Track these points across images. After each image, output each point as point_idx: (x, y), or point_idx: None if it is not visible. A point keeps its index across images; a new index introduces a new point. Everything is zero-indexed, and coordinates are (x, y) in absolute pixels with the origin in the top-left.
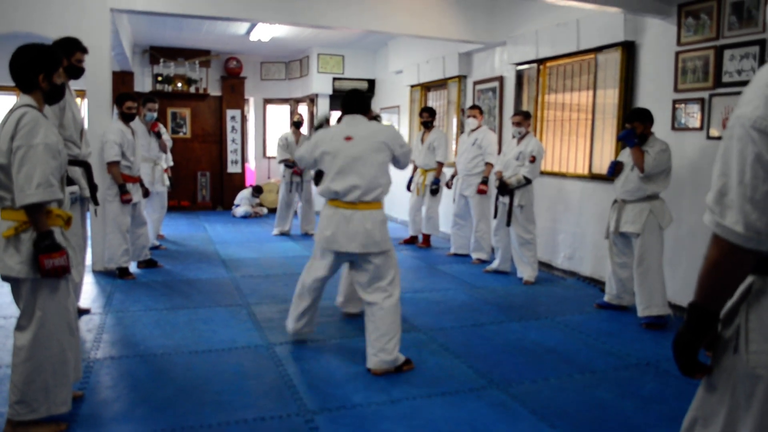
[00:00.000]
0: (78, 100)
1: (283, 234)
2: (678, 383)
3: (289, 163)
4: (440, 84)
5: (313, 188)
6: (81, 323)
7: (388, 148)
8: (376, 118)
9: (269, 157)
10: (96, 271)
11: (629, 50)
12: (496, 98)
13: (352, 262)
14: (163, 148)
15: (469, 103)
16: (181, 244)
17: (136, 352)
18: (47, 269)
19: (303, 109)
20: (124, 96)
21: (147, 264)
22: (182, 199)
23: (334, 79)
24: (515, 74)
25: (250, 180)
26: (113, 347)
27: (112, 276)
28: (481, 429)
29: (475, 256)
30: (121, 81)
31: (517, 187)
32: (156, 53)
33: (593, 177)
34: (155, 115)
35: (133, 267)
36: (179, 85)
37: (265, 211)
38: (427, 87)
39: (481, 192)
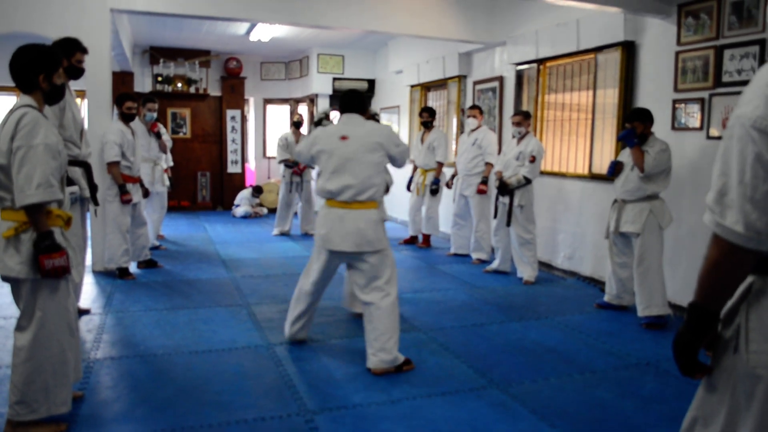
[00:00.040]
0: (78, 100)
1: (283, 234)
2: (678, 383)
3: (289, 163)
4: (440, 84)
5: (313, 188)
6: (81, 323)
7: (382, 148)
8: (374, 116)
9: (269, 158)
10: (96, 271)
11: (629, 50)
12: (496, 98)
13: (350, 263)
14: (163, 148)
15: (469, 103)
16: (181, 244)
17: (136, 353)
18: (47, 269)
19: (303, 110)
20: (124, 96)
21: (147, 264)
22: (182, 199)
23: (334, 79)
24: (515, 74)
25: (250, 180)
26: (113, 347)
27: (112, 276)
28: (481, 429)
29: (475, 256)
30: (121, 81)
31: (517, 187)
32: (156, 53)
33: (593, 177)
34: (155, 115)
35: (133, 267)
36: (179, 85)
37: (265, 211)
38: (427, 87)
39: (480, 192)
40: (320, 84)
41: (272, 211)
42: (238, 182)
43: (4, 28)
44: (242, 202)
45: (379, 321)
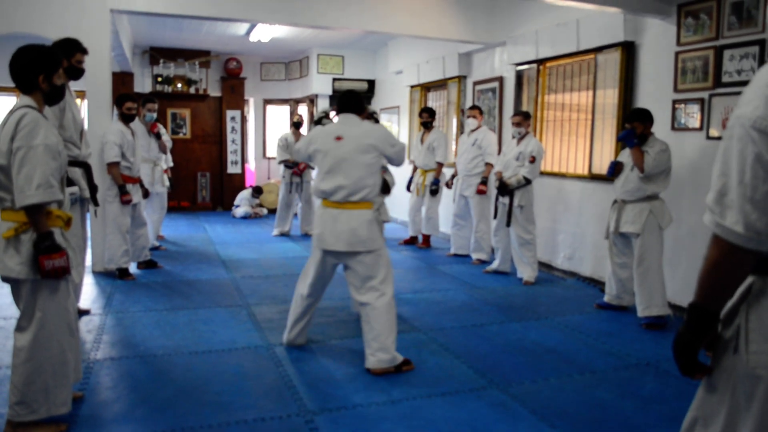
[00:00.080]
0: (78, 100)
1: (283, 234)
2: (678, 383)
3: (289, 164)
4: (440, 84)
5: None
6: (81, 324)
7: (376, 149)
8: (372, 115)
9: (269, 158)
10: (96, 271)
11: (629, 50)
12: (495, 98)
13: (345, 265)
14: (162, 148)
15: (468, 103)
16: (181, 244)
17: (136, 353)
18: (47, 270)
19: (303, 110)
20: (124, 97)
21: (147, 265)
22: (182, 199)
23: (334, 79)
24: (515, 74)
25: (250, 180)
26: (113, 348)
27: (112, 277)
28: (481, 429)
29: (475, 256)
30: (121, 82)
31: (516, 188)
32: (156, 54)
33: (593, 177)
34: (155, 115)
35: (133, 268)
36: (179, 85)
37: (264, 211)
38: (426, 87)
39: (480, 192)
40: (320, 84)
41: (272, 211)
42: (237, 183)
43: (4, 28)
44: (242, 202)
45: (376, 321)
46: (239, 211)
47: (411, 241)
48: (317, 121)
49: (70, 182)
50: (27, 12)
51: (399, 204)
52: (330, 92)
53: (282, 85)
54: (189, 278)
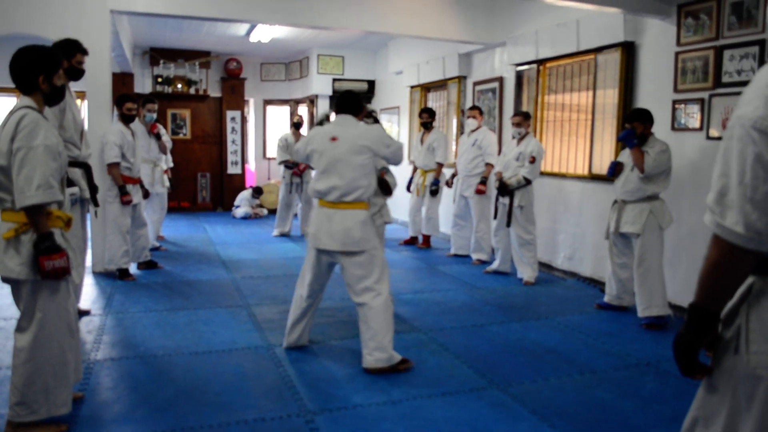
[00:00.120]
0: (78, 101)
1: (283, 235)
2: (678, 383)
3: (289, 164)
4: (440, 85)
5: None
6: (81, 324)
7: (370, 150)
8: (371, 114)
9: (269, 158)
10: (96, 272)
11: (629, 50)
12: (495, 99)
13: (342, 266)
14: (162, 149)
15: (468, 103)
16: (181, 245)
17: (136, 354)
18: (47, 271)
19: (303, 110)
20: (124, 97)
21: (147, 265)
22: (182, 200)
23: (334, 80)
24: (515, 75)
25: (250, 181)
26: (113, 348)
27: (112, 277)
28: (481, 429)
29: (475, 256)
30: (121, 82)
31: (517, 188)
32: (156, 54)
33: (593, 177)
34: (155, 116)
35: (133, 268)
36: (179, 86)
37: (265, 212)
38: (426, 88)
39: (479, 192)
40: (320, 85)
41: (272, 212)
42: (238, 183)
43: (4, 29)
44: (242, 203)
45: (372, 320)
46: (239, 212)
47: (411, 242)
48: (318, 123)
49: (71, 183)
50: (27, 12)
51: (399, 204)
52: (330, 93)
53: (282, 86)
54: (189, 279)
